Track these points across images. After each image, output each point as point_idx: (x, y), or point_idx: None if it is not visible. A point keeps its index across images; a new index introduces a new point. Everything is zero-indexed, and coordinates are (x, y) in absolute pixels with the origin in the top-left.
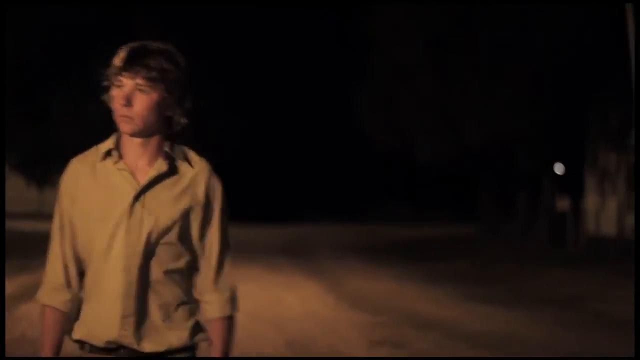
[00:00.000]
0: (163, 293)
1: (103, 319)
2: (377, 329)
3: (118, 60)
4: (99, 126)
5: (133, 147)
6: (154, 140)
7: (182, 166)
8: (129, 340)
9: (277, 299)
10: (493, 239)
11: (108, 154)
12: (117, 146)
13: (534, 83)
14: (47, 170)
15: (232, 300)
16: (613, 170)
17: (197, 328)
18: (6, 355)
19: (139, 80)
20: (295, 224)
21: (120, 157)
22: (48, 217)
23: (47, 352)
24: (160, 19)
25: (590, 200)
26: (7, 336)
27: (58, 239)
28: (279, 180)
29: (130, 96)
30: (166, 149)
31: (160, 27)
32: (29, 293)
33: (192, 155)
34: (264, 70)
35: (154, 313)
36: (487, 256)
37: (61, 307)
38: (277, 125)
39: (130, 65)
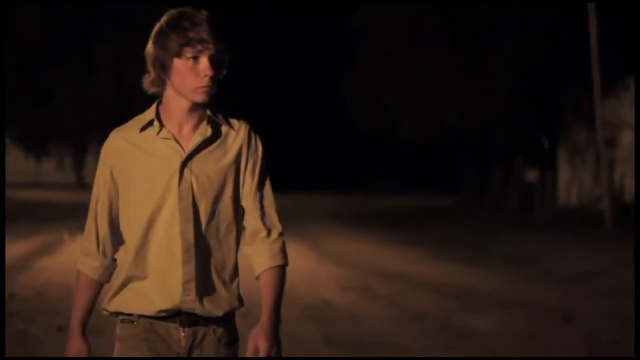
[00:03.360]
0: (218, 256)
1: (162, 286)
2: (350, 279)
3: (198, 32)
4: (97, 104)
5: (178, 114)
6: (199, 106)
7: (224, 128)
8: (191, 305)
9: None
10: (470, 210)
11: (149, 124)
12: (157, 116)
13: (510, 67)
14: (44, 143)
15: (283, 250)
16: (583, 146)
17: (240, 297)
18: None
19: (219, 47)
20: (287, 194)
21: (162, 126)
22: (45, 186)
23: (76, 317)
24: (159, 3)
25: (563, 173)
26: (36, 282)
27: (94, 209)
28: (273, 155)
29: (211, 65)
30: (209, 113)
31: (161, 11)
32: (46, 250)
33: (232, 118)
34: (257, 55)
35: (213, 277)
36: (461, 224)
37: (91, 274)
38: (271, 106)
39: (211, 34)
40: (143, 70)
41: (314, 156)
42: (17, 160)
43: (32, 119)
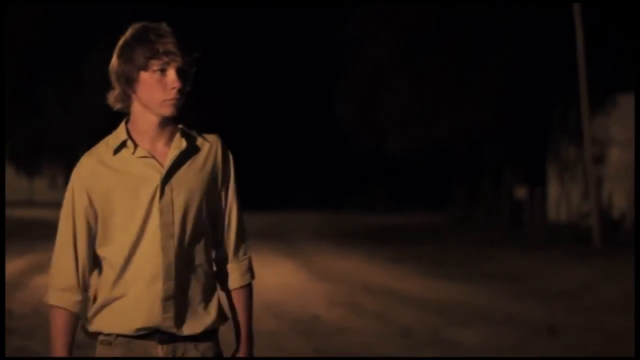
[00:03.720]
0: (199, 273)
1: (141, 304)
2: (338, 295)
3: (164, 44)
4: (87, 120)
5: (148, 130)
6: (169, 120)
7: (199, 141)
8: (169, 323)
9: (257, 274)
10: (460, 226)
11: (123, 144)
12: (128, 134)
13: (498, 83)
14: (37, 161)
15: (251, 268)
16: (572, 162)
17: (222, 312)
18: (14, 332)
19: (186, 59)
20: (275, 211)
21: (136, 145)
22: (37, 205)
23: (59, 353)
24: (151, 16)
25: (552, 189)
26: (32, 299)
27: (70, 239)
28: (261, 171)
29: (179, 77)
30: (181, 126)
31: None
32: (40, 268)
33: (203, 134)
34: (247, 69)
35: (193, 294)
36: (450, 240)
37: (72, 308)
38: (260, 120)
39: (178, 46)
40: None
41: (303, 171)
42: (8, 177)
43: (22, 135)
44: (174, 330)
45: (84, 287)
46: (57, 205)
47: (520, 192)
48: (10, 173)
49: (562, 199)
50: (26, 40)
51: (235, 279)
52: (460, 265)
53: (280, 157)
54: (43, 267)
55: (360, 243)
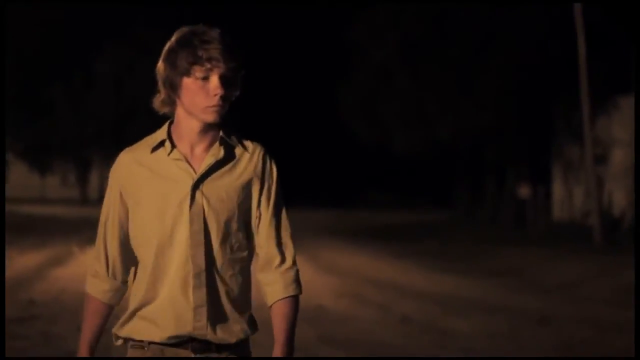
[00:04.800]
0: (229, 281)
1: (173, 312)
2: (343, 287)
3: (208, 50)
4: (97, 118)
5: (190, 135)
6: (211, 127)
7: (238, 150)
8: (202, 331)
9: None
10: (464, 224)
11: (161, 144)
12: (169, 136)
13: (501, 84)
14: (48, 159)
15: (297, 279)
16: (576, 162)
17: (253, 321)
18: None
19: (230, 66)
20: (286, 210)
21: (173, 146)
22: (49, 202)
23: (84, 339)
24: (159, 19)
25: (557, 189)
26: (52, 289)
27: (102, 230)
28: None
29: (222, 84)
30: (221, 134)
31: (160, 26)
32: (57, 261)
33: (246, 140)
34: (256, 68)
35: (224, 302)
36: (453, 238)
37: (100, 296)
38: (266, 119)
39: (222, 52)
40: (143, 84)
41: (310, 169)
42: (21, 175)
43: (34, 134)
44: (208, 337)
45: (114, 276)
46: (69, 202)
47: (524, 191)
48: (22, 171)
49: (566, 198)
50: (37, 40)
51: (276, 291)
52: (462, 260)
53: (287, 156)
54: (59, 260)
55: (365, 239)
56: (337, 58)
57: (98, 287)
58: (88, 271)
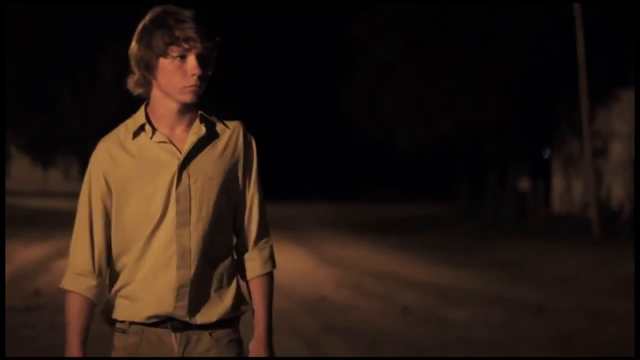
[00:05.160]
0: (216, 260)
1: (154, 292)
2: (345, 278)
3: (184, 30)
4: (100, 113)
5: (168, 116)
6: (189, 107)
7: (219, 127)
8: (182, 311)
9: None
10: (465, 218)
11: (141, 129)
12: (147, 119)
13: (502, 77)
14: (51, 152)
15: (272, 257)
16: (576, 156)
17: (241, 297)
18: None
19: (206, 45)
20: (286, 203)
21: (154, 129)
22: (52, 195)
23: (73, 340)
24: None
25: (557, 182)
26: (57, 280)
27: (86, 224)
28: (271, 164)
29: (199, 63)
30: (200, 112)
31: None
32: (61, 254)
33: (225, 120)
34: (256, 64)
35: (208, 282)
36: (454, 231)
37: (87, 293)
38: (270, 116)
39: (198, 32)
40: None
41: (313, 164)
42: (24, 168)
43: (37, 128)
44: (187, 318)
45: (100, 273)
46: (71, 195)
47: (524, 185)
48: (25, 164)
49: (566, 192)
50: (40, 36)
51: (255, 267)
52: (462, 253)
53: (290, 151)
54: (63, 252)
55: (368, 233)
56: (340, 55)
57: (85, 284)
58: (69, 270)
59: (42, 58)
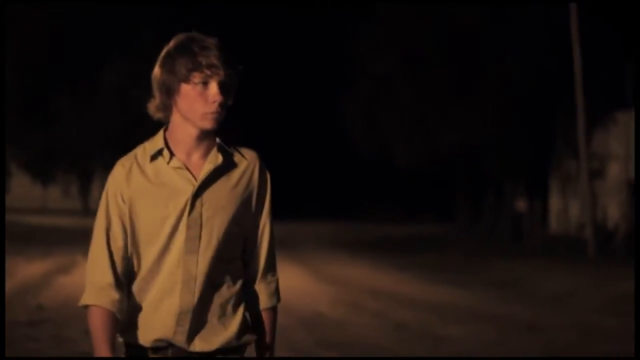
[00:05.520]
0: (221, 289)
1: (157, 315)
2: (342, 296)
3: (207, 57)
4: (102, 130)
5: (186, 142)
6: (208, 133)
7: (236, 157)
8: (181, 337)
9: None
10: (463, 237)
11: (159, 153)
12: (166, 143)
13: (501, 98)
14: (51, 169)
15: (277, 291)
16: (574, 176)
17: (246, 326)
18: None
19: (228, 73)
20: (284, 221)
21: (172, 154)
22: (51, 212)
23: (102, 346)
24: (165, 31)
25: (554, 202)
26: (59, 295)
27: (103, 240)
28: (274, 183)
29: (220, 90)
30: (218, 141)
31: (166, 38)
32: (62, 270)
33: (242, 147)
34: (255, 82)
35: (212, 310)
36: (452, 250)
37: (110, 306)
38: (269, 132)
39: (221, 59)
40: (148, 96)
41: (312, 182)
42: (23, 186)
43: (38, 144)
44: (185, 345)
45: (121, 287)
46: (71, 212)
47: (521, 205)
48: (25, 181)
49: (564, 212)
50: (43, 50)
51: (262, 301)
52: (458, 272)
53: (289, 168)
54: (64, 268)
55: (365, 251)
56: (340, 71)
57: (108, 298)
58: (89, 285)
59: (43, 73)
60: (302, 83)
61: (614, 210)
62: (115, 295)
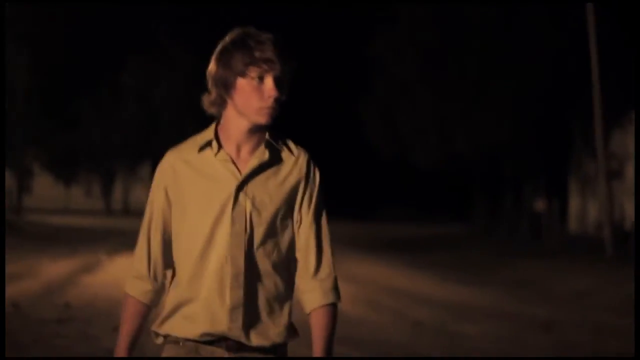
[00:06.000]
0: (268, 285)
1: (209, 311)
2: (360, 294)
3: (263, 51)
4: (123, 130)
5: (237, 135)
6: (259, 128)
7: (284, 153)
8: (237, 332)
9: None
10: (481, 237)
11: (207, 144)
12: (216, 136)
13: (519, 99)
14: (73, 170)
15: (335, 288)
16: (593, 177)
17: (292, 327)
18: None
19: (284, 68)
20: None
21: (220, 147)
22: (74, 212)
23: (121, 344)
24: (184, 33)
25: (573, 203)
26: (84, 294)
27: (146, 231)
28: None
29: (276, 85)
30: (267, 137)
31: (185, 41)
32: (87, 269)
33: (291, 143)
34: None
35: (261, 305)
36: (470, 250)
37: (141, 297)
38: (291, 134)
39: (277, 54)
40: (167, 98)
41: (333, 184)
42: (46, 186)
43: (60, 145)
44: (243, 339)
45: (155, 277)
46: (93, 213)
47: (540, 205)
48: (48, 182)
49: (583, 212)
50: (64, 53)
51: (314, 299)
52: (476, 271)
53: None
54: (89, 268)
55: (384, 251)
56: (359, 73)
57: (140, 288)
58: (129, 273)
59: (65, 75)
60: (322, 84)
61: (631, 210)
62: (148, 286)
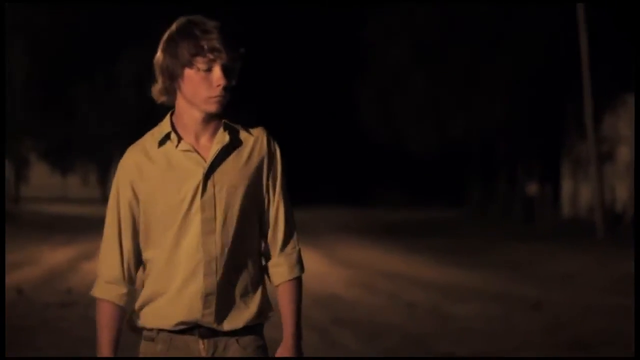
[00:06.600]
0: (241, 268)
1: (182, 299)
2: (355, 278)
3: (209, 40)
4: (119, 119)
5: (193, 125)
6: (214, 116)
7: (242, 135)
8: (209, 318)
9: None
10: (475, 221)
11: (167, 137)
12: (173, 127)
13: (512, 82)
14: (70, 159)
15: (299, 261)
16: (585, 160)
17: (267, 303)
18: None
19: (231, 56)
20: (298, 206)
21: (180, 138)
22: (71, 201)
23: (105, 349)
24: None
25: (566, 186)
26: (85, 279)
27: (115, 232)
28: (288, 168)
29: (224, 74)
30: (224, 120)
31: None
32: (87, 256)
33: (248, 128)
34: (269, 68)
35: (234, 289)
36: (464, 234)
37: (117, 300)
38: (283, 118)
39: (223, 43)
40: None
41: (326, 167)
42: (43, 175)
43: (56, 135)
44: (214, 325)
45: (130, 280)
46: (90, 201)
47: (532, 189)
48: (44, 171)
49: (575, 195)
50: (60, 41)
51: (282, 273)
52: (470, 254)
53: (302, 153)
54: (88, 255)
55: (379, 235)
56: (353, 57)
57: (115, 292)
58: (99, 277)
59: (60, 64)
60: (316, 69)
61: (623, 193)
62: (123, 289)
